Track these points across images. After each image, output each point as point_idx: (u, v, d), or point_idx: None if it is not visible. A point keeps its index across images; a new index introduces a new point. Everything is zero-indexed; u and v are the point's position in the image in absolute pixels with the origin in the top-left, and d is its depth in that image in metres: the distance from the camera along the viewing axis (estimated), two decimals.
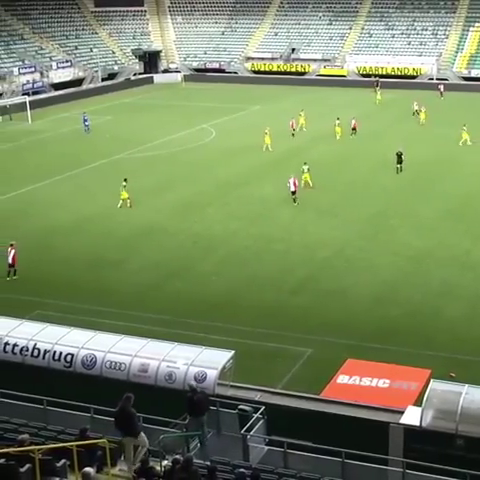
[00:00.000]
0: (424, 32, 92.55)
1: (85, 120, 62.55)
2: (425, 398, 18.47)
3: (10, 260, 31.71)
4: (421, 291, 29.83)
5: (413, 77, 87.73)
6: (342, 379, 21.97)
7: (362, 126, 58.67)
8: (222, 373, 20.32)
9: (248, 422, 18.57)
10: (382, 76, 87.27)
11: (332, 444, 17.23)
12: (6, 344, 21.90)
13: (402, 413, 18.92)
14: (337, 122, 57.57)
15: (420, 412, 18.31)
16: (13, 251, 31.74)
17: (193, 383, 18.89)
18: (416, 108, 65.53)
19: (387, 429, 18.50)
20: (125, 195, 40.95)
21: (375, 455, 17.10)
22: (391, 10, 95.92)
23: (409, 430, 18.27)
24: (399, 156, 46.53)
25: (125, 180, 41.48)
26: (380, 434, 18.40)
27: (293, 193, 40.78)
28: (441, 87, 78.16)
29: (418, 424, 18.20)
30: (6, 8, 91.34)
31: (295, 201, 40.71)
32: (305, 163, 44.44)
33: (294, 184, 40.79)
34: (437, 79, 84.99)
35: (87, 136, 60.93)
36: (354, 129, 58.01)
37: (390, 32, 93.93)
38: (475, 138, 52.83)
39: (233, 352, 20.75)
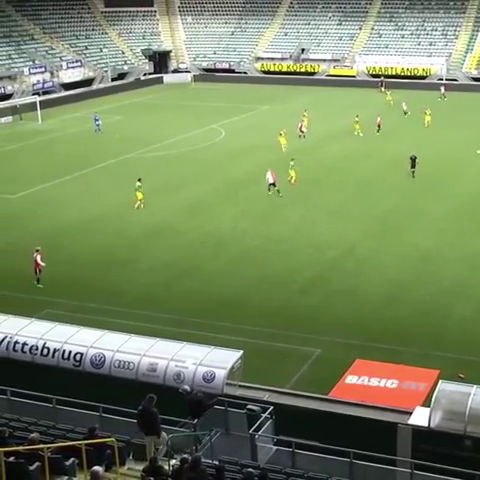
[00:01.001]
0: (434, 32, 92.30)
1: (96, 120, 62.66)
2: (433, 399, 18.42)
3: (35, 265, 30.85)
4: (430, 291, 29.78)
5: (422, 77, 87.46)
6: (351, 379, 21.96)
7: (372, 126, 58.66)
8: (231, 373, 20.34)
9: (256, 422, 18.56)
10: (391, 76, 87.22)
11: (340, 444, 17.20)
12: (16, 343, 21.97)
13: (410, 414, 18.87)
14: (356, 119, 57.99)
15: (428, 413, 18.26)
16: (39, 256, 30.86)
17: (186, 387, 18.78)
18: (405, 108, 65.86)
19: (395, 429, 18.46)
20: (141, 196, 40.64)
21: (383, 455, 17.04)
22: (401, 10, 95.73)
23: (417, 431, 18.23)
24: (413, 160, 45.60)
25: (139, 180, 41.15)
26: (388, 434, 18.37)
27: (273, 185, 42.60)
28: (442, 88, 77.84)
29: (426, 425, 18.16)
30: (17, 8, 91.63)
31: (278, 192, 42.18)
32: (292, 159, 45.61)
33: (272, 176, 42.63)
34: (446, 80, 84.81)
35: (97, 136, 61.09)
36: (379, 126, 58.16)
37: (400, 32, 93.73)
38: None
39: (242, 352, 20.77)
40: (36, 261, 30.78)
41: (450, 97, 74.97)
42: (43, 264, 30.74)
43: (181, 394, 18.55)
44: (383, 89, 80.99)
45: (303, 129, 57.61)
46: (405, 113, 65.72)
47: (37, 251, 30.98)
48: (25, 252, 34.14)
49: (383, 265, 32.52)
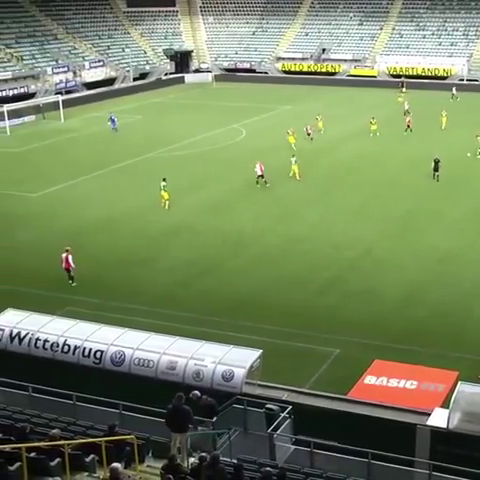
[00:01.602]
0: (455, 33, 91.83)
1: (113, 120, 63.12)
2: (452, 400, 18.36)
3: (65, 265, 30.83)
4: (449, 292, 29.66)
5: (443, 78, 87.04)
6: (369, 380, 21.86)
7: (393, 126, 58.52)
8: (250, 372, 20.38)
9: (275, 421, 18.62)
10: (412, 77, 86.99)
11: (358, 445, 17.20)
12: (37, 340, 22.15)
13: (429, 415, 18.80)
14: (372, 120, 57.88)
15: (447, 414, 18.19)
16: (70, 256, 30.76)
17: (197, 392, 18.78)
18: (407, 108, 65.18)
19: (414, 431, 18.40)
20: (167, 195, 40.71)
21: (401, 456, 17.03)
22: (422, 10, 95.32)
23: (436, 432, 18.14)
24: (436, 163, 44.61)
25: (164, 180, 41.32)
26: (406, 435, 18.32)
27: (261, 177, 44.39)
28: (454, 89, 77.31)
29: (445, 426, 18.07)
30: (41, 8, 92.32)
31: (266, 183, 44.17)
32: (293, 156, 46.70)
33: (260, 168, 44.50)
34: (467, 80, 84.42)
35: (117, 135, 61.37)
36: (408, 126, 57.82)
37: (421, 33, 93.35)
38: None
39: (261, 351, 20.82)
40: (67, 261, 30.68)
41: (470, 98, 74.51)
42: (73, 266, 30.73)
43: (191, 399, 18.46)
44: (404, 90, 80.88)
45: (309, 131, 56.67)
46: (404, 113, 64.32)
47: (67, 251, 30.82)
48: (46, 251, 34.56)
49: (402, 266, 32.43)
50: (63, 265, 30.86)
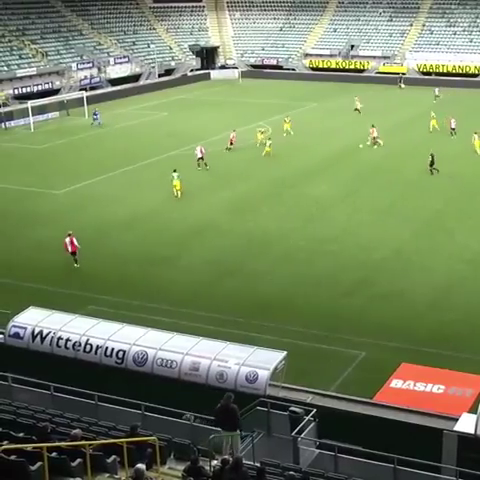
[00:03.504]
0: None
1: (95, 115, 64.42)
2: None
3: (71, 248, 32.15)
4: (479, 295, 29.16)
5: (475, 75, 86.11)
6: (396, 383, 21.60)
7: (420, 124, 57.93)
8: (274, 374, 20.20)
9: (299, 424, 18.41)
10: (443, 74, 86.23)
11: (384, 449, 16.97)
12: (59, 339, 22.13)
13: (456, 420, 18.53)
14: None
15: (475, 420, 17.90)
16: (74, 239, 32.19)
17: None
18: (358, 105, 64.87)
19: (440, 436, 18.12)
20: (178, 186, 42.10)
21: (427, 462, 16.77)
22: (453, 6, 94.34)
23: (463, 438, 17.88)
24: (432, 157, 45.82)
25: (175, 171, 42.58)
26: (433, 441, 18.05)
27: (201, 159, 47.71)
28: (436, 89, 75.07)
29: (473, 432, 17.81)
30: (66, 4, 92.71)
31: (206, 165, 47.53)
32: (269, 138, 51.85)
33: (201, 151, 47.79)
34: None
35: (142, 132, 61.40)
36: (453, 129, 56.38)
37: (452, 29, 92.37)
38: None
39: (285, 353, 20.62)
40: (73, 243, 32.00)
41: None
42: (79, 246, 32.07)
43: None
44: (402, 86, 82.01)
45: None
46: (355, 110, 64.78)
47: (70, 235, 32.16)
48: None
49: (430, 267, 31.99)
50: (69, 249, 32.13)
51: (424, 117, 59.95)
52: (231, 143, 52.56)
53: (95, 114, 65.02)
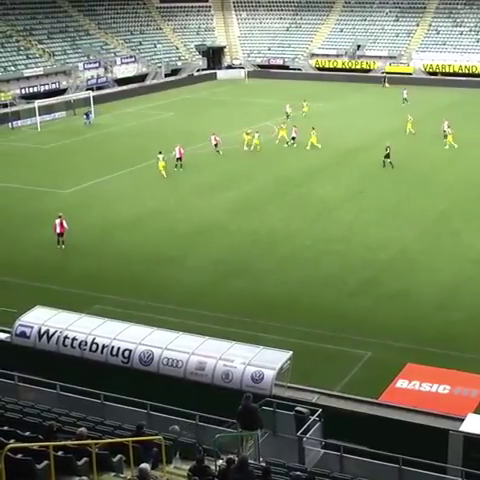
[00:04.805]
0: None
1: (88, 116, 65.40)
2: None
3: (59, 229, 34.08)
4: None
5: None
6: (401, 383, 21.56)
7: (427, 125, 57.78)
8: (280, 374, 20.18)
9: (305, 424, 18.39)
10: (449, 74, 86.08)
11: (389, 450, 16.95)
12: (66, 338, 22.14)
13: (462, 420, 18.49)
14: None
15: None
16: (64, 221, 34.13)
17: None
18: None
19: (446, 436, 18.10)
20: (162, 166, 46.14)
21: (433, 463, 16.73)
22: (459, 6, 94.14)
23: (469, 438, 17.85)
24: (387, 150, 47.02)
25: (160, 153, 46.54)
26: (439, 441, 18.02)
27: (179, 159, 48.46)
28: (404, 92, 74.10)
29: (478, 432, 17.78)
30: (73, 4, 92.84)
31: (181, 166, 48.36)
32: (257, 132, 53.75)
33: (179, 151, 48.50)
34: None
35: (149, 131, 61.45)
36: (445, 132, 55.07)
37: (458, 29, 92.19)
38: None
39: (291, 353, 20.61)
40: (62, 225, 34.00)
41: None
42: (67, 228, 34.15)
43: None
44: (387, 85, 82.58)
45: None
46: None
47: (60, 217, 34.19)
48: (75, 247, 34.57)
49: (436, 267, 31.95)
50: (57, 230, 34.18)
51: (433, 117, 59.84)
52: (216, 145, 52.82)
53: (87, 115, 65.72)
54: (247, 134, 54.30)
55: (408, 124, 57.66)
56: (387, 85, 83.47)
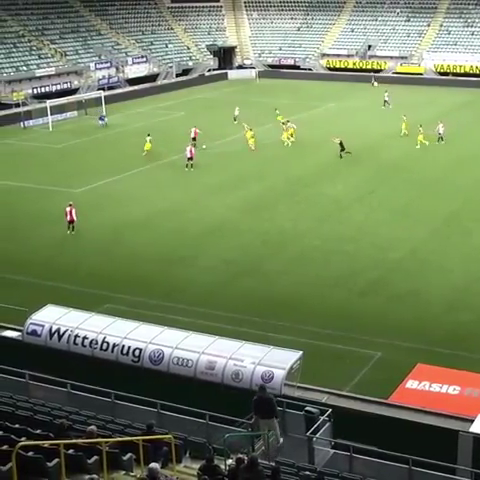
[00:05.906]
0: None
1: (102, 119, 65.53)
2: None
3: (69, 218, 35.72)
4: None
5: None
6: (411, 384, 21.52)
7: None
8: (289, 373, 20.19)
9: (314, 424, 18.40)
10: (460, 74, 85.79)
11: (399, 450, 16.93)
12: (76, 336, 22.22)
13: (472, 421, 18.46)
14: (404, 118, 57.23)
15: None
16: (74, 210, 35.75)
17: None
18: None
19: (456, 437, 18.06)
20: (148, 147, 50.33)
21: (443, 463, 16.69)
22: (471, 6, 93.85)
23: (479, 439, 17.80)
24: (341, 144, 49.14)
25: (148, 135, 51.25)
26: (448, 442, 17.99)
27: (190, 159, 48.41)
28: (386, 95, 72.99)
29: None
30: (85, 4, 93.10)
31: (192, 166, 48.16)
32: (250, 129, 53.80)
33: (190, 152, 48.57)
34: None
35: (160, 131, 61.46)
36: (440, 134, 54.73)
37: (469, 29, 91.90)
38: None
39: (301, 353, 20.62)
40: (71, 214, 35.67)
41: None
42: (75, 219, 35.71)
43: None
44: (375, 84, 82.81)
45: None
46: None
47: (70, 205, 35.94)
48: (86, 247, 34.70)
49: (447, 267, 31.90)
50: (67, 218, 35.90)
51: (445, 117, 59.69)
52: (194, 139, 53.89)
53: (101, 118, 65.70)
54: (250, 130, 54.33)
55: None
56: (376, 84, 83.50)
